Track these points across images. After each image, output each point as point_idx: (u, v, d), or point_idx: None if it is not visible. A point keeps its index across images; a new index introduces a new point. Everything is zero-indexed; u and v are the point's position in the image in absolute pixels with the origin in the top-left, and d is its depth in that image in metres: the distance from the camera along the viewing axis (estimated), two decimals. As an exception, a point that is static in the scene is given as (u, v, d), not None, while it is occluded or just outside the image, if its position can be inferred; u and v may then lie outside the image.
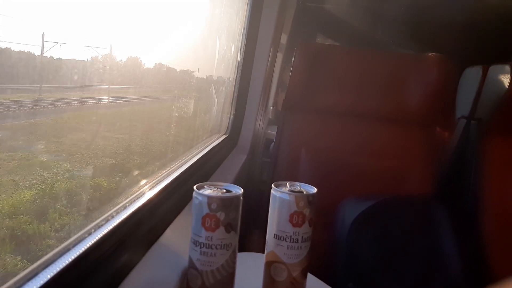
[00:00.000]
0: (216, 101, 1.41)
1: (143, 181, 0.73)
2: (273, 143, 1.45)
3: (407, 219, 1.04)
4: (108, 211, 0.57)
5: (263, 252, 0.62)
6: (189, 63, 1.11)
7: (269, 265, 0.60)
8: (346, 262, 0.98)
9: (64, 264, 0.43)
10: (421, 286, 0.98)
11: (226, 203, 0.53)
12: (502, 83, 1.25)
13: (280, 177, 1.30)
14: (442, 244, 1.01)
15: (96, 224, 0.53)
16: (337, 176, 1.29)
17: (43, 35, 0.51)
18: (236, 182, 0.93)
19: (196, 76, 1.10)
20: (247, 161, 1.45)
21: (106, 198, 0.69)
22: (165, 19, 0.81)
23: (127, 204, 0.61)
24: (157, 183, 0.74)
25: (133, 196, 0.65)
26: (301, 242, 0.58)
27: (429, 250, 1.02)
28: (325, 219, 0.98)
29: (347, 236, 0.97)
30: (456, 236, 1.02)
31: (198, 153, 1.04)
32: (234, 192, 0.55)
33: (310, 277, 0.66)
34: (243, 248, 0.68)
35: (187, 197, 0.73)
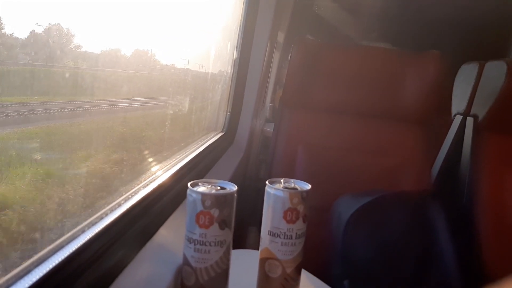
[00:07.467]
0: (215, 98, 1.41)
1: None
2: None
3: (403, 216, 1.04)
4: (103, 209, 0.57)
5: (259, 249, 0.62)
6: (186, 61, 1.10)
7: (263, 261, 0.60)
8: (342, 259, 0.98)
9: (57, 262, 0.43)
10: (416, 282, 0.98)
11: (220, 200, 0.53)
12: (498, 79, 1.25)
13: (276, 175, 1.30)
14: (438, 241, 1.01)
15: (90, 222, 0.53)
16: (334, 173, 1.29)
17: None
18: (233, 180, 0.93)
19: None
20: (244, 159, 1.45)
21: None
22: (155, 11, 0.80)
23: (121, 202, 0.61)
24: (152, 181, 0.74)
25: (127, 194, 0.65)
26: (295, 238, 0.58)
27: (425, 246, 1.02)
28: (321, 216, 0.98)
29: (343, 233, 0.97)
30: (451, 233, 1.02)
31: (194, 151, 1.03)
32: (228, 189, 0.55)
33: (306, 274, 0.66)
34: (240, 245, 0.68)
35: (182, 194, 0.73)
